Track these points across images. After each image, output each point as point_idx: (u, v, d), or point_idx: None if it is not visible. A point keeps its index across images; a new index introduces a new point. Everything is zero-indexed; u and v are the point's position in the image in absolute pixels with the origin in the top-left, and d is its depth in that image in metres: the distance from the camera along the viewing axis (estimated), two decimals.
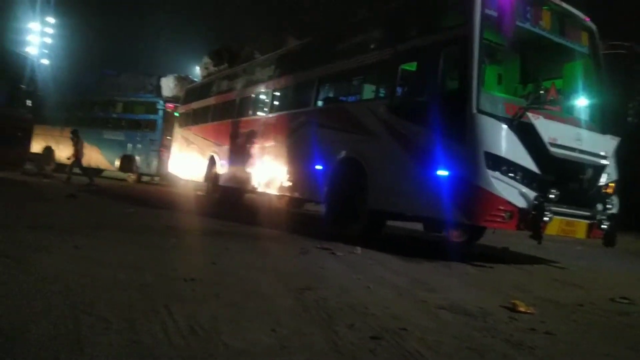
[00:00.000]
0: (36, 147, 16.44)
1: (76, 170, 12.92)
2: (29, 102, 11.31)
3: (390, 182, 5.61)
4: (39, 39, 21.77)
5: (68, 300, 2.47)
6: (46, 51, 21.93)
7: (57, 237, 4.14)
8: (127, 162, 15.53)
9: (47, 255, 3.44)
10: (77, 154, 12.84)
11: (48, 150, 17.09)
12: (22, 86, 11.04)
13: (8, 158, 10.52)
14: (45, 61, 21.29)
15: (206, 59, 12.49)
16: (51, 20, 22.28)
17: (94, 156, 16.46)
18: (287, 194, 8.08)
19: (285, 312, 2.65)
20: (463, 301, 3.20)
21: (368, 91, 6.88)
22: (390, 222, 6.52)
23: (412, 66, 5.68)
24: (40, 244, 3.79)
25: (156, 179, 16.73)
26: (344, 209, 6.23)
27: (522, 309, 3.05)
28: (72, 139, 12.96)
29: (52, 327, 2.09)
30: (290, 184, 7.73)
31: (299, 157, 7.57)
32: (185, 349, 2.01)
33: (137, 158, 15.23)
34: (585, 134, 5.25)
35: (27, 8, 21.08)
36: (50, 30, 22.43)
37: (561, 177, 4.98)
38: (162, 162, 14.51)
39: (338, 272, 3.93)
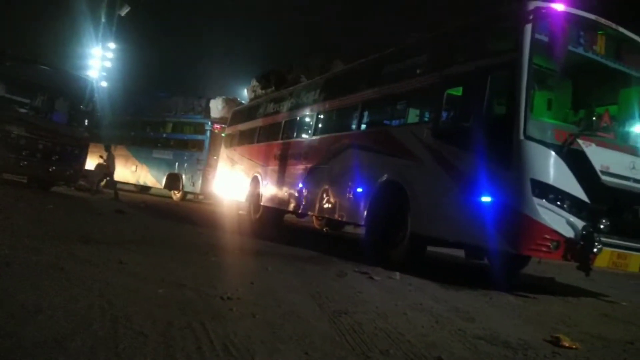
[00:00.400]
0: (89, 164, 17.19)
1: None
2: (86, 122, 11.86)
3: (432, 206, 5.53)
4: (99, 63, 23.04)
5: (109, 314, 2.55)
6: (104, 74, 23.17)
7: (104, 252, 4.29)
8: (173, 180, 15.99)
9: (93, 268, 3.58)
10: (107, 168, 13.62)
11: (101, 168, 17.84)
12: (82, 107, 11.61)
13: (65, 174, 11.01)
14: (104, 84, 22.46)
15: (254, 82, 12.77)
16: (112, 45, 23.58)
17: (142, 174, 17.06)
18: (328, 215, 8.09)
19: (320, 335, 2.64)
20: (503, 332, 3.09)
21: (412, 115, 6.84)
22: (431, 248, 6.39)
23: (458, 91, 5.62)
24: (88, 257, 3.94)
25: (200, 197, 17.12)
26: (384, 232, 6.17)
27: (566, 344, 2.90)
28: (101, 155, 13.58)
29: (92, 340, 2.16)
30: (331, 205, 7.74)
31: (340, 179, 7.58)
32: None
33: (183, 176, 15.66)
34: None
35: (91, 35, 22.43)
36: (110, 55, 23.71)
37: (614, 207, 4.75)
38: (207, 181, 14.84)
39: (375, 297, 3.87)
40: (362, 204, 6.72)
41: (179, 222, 8.69)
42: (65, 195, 11.07)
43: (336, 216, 7.73)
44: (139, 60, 27.49)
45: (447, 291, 4.46)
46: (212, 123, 15.40)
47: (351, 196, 7.09)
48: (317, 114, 8.92)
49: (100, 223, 6.87)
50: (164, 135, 17.31)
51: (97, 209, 8.85)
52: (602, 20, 5.24)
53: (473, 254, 6.07)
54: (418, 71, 6.56)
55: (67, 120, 11.24)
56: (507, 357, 2.60)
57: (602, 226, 4.51)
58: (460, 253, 6.52)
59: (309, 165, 8.64)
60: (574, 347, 2.89)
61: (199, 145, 15.65)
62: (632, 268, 4.84)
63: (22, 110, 10.48)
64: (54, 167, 10.37)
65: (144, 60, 28.59)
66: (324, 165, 8.14)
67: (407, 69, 6.87)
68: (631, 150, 5.18)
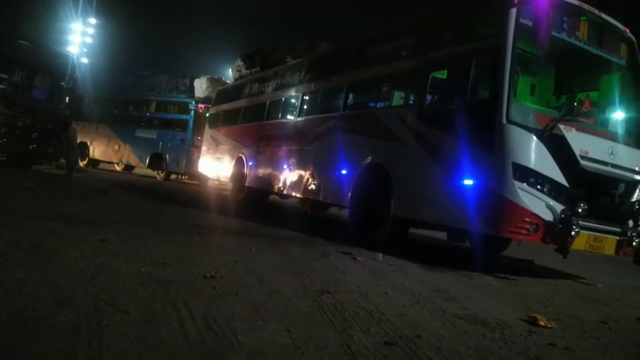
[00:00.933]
0: None
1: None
2: (67, 99, 11.65)
3: (415, 189, 5.58)
4: (80, 38, 22.57)
5: (91, 292, 2.54)
6: (85, 50, 22.73)
7: (86, 230, 4.26)
8: (157, 160, 15.85)
9: (75, 247, 3.55)
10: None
11: (82, 146, 17.59)
12: (62, 83, 11.40)
13: (46, 152, 10.83)
14: (84, 60, 22.04)
15: (239, 62, 12.63)
16: (92, 20, 23.10)
17: (126, 153, 16.87)
18: (312, 197, 8.12)
19: (302, 314, 2.68)
20: (482, 312, 3.16)
21: (397, 98, 6.85)
22: (413, 230, 6.47)
23: (443, 74, 5.64)
24: (70, 236, 3.91)
25: (184, 177, 17.02)
26: (367, 214, 6.22)
27: (542, 323, 2.99)
28: None
29: (74, 316, 2.16)
30: (315, 187, 7.76)
31: (325, 161, 7.60)
32: (200, 344, 2.06)
33: (167, 156, 15.52)
34: (619, 148, 5.11)
35: (71, 9, 21.92)
36: (90, 30, 23.25)
37: (592, 191, 4.85)
38: (191, 161, 14.73)
39: (358, 277, 3.92)
40: (346, 186, 6.75)
41: (163, 202, 8.64)
42: (46, 173, 10.91)
43: (320, 198, 7.76)
44: (121, 37, 27.03)
45: (428, 272, 4.53)
46: (196, 103, 15.23)
47: (335, 178, 7.12)
48: (302, 95, 8.88)
49: (83, 202, 6.81)
50: (148, 114, 17.07)
51: (80, 188, 8.76)
52: (586, 6, 5.28)
53: (455, 236, 6.18)
54: (403, 54, 6.56)
55: (48, 97, 11.03)
56: (485, 335, 2.67)
57: (580, 210, 4.60)
58: (442, 235, 6.63)
59: (294, 147, 8.63)
60: (550, 326, 2.98)
61: (182, 125, 15.50)
62: (607, 251, 4.96)
63: (1, 86, 10.24)
64: (34, 145, 10.19)
65: (126, 37, 28.11)
66: (308, 147, 8.13)
67: (392, 51, 6.85)
68: (610, 136, 5.27)
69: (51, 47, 13.19)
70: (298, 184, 8.27)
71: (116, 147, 17.13)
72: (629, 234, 4.96)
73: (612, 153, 5.00)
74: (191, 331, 2.18)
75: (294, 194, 8.68)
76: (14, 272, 2.68)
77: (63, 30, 22.55)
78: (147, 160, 16.03)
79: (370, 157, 6.37)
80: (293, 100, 9.31)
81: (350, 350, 2.20)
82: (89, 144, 17.68)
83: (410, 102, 6.43)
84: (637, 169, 5.17)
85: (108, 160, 17.85)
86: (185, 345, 2.03)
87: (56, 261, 3.07)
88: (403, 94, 6.83)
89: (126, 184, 11.85)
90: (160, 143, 15.80)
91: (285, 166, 8.78)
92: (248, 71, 12.02)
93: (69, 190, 8.28)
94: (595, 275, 5.61)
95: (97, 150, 17.68)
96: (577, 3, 5.24)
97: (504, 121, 4.62)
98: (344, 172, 6.88)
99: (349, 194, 6.63)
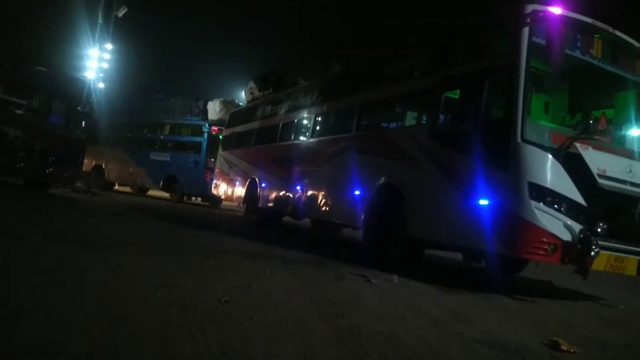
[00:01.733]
0: (86, 165, 17.18)
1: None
2: (83, 123, 11.86)
3: (430, 210, 5.53)
4: (96, 64, 23.05)
5: (107, 317, 2.53)
6: (102, 75, 23.17)
7: (102, 254, 4.28)
8: (171, 182, 15.96)
9: (91, 271, 3.56)
10: None
11: (97, 169, 17.81)
12: (78, 108, 11.63)
13: (62, 176, 10.98)
14: (101, 85, 22.47)
15: (252, 84, 12.77)
16: (109, 46, 23.60)
17: (140, 176, 17.02)
18: (325, 218, 8.09)
19: (318, 338, 2.64)
20: (501, 336, 3.08)
21: (410, 118, 6.86)
22: (428, 251, 6.39)
23: (456, 94, 5.64)
24: (86, 259, 3.93)
25: (198, 199, 17.10)
26: (381, 235, 6.17)
27: (564, 348, 2.90)
28: None
29: (89, 342, 2.15)
30: (329, 208, 7.74)
31: (338, 182, 7.59)
32: None
33: (180, 179, 15.63)
34: (637, 166, 5.04)
35: (88, 36, 22.45)
36: (107, 56, 23.73)
37: (611, 210, 4.77)
38: (204, 183, 14.82)
39: (373, 300, 3.87)
40: (359, 207, 6.72)
41: (177, 224, 8.67)
42: (62, 197, 11.03)
43: (333, 219, 7.74)
44: (136, 62, 27.55)
45: (444, 294, 4.46)
46: (210, 125, 15.39)
47: (348, 199, 7.09)
48: (315, 117, 8.92)
49: (98, 225, 6.85)
50: (162, 137, 17.28)
51: (95, 211, 8.83)
52: (599, 24, 5.27)
53: (471, 257, 6.11)
54: (415, 73, 6.58)
55: (64, 121, 11.22)
56: None
57: (599, 229, 4.52)
58: (458, 256, 6.54)
59: (307, 168, 8.64)
60: (572, 351, 2.89)
61: (196, 147, 15.64)
62: (629, 271, 4.85)
63: (19, 112, 10.45)
64: (51, 169, 10.34)
65: (141, 62, 28.65)
66: (321, 168, 8.14)
67: (404, 71, 6.88)
68: (627, 154, 5.21)
69: (68, 72, 13.48)
70: (311, 205, 8.25)
71: (130, 169, 17.32)
72: None
73: (630, 171, 4.93)
74: (206, 358, 2.15)
75: (307, 215, 8.66)
76: (30, 297, 2.69)
77: (80, 57, 23.06)
78: (161, 183, 16.15)
79: (383, 178, 6.35)
80: (305, 122, 9.36)
81: None
82: (103, 166, 17.89)
83: (423, 121, 6.42)
84: None
85: (122, 182, 18.02)
86: None
87: (72, 285, 3.08)
88: (416, 114, 6.83)
89: (140, 206, 11.93)
90: (174, 165, 15.93)
91: (298, 187, 8.78)
92: (261, 93, 12.14)
93: (84, 213, 8.35)
94: (616, 297, 5.46)
95: (111, 173, 17.88)
96: (590, 21, 5.23)
97: (519, 140, 4.58)
98: (357, 192, 6.86)
99: (363, 215, 6.60)
